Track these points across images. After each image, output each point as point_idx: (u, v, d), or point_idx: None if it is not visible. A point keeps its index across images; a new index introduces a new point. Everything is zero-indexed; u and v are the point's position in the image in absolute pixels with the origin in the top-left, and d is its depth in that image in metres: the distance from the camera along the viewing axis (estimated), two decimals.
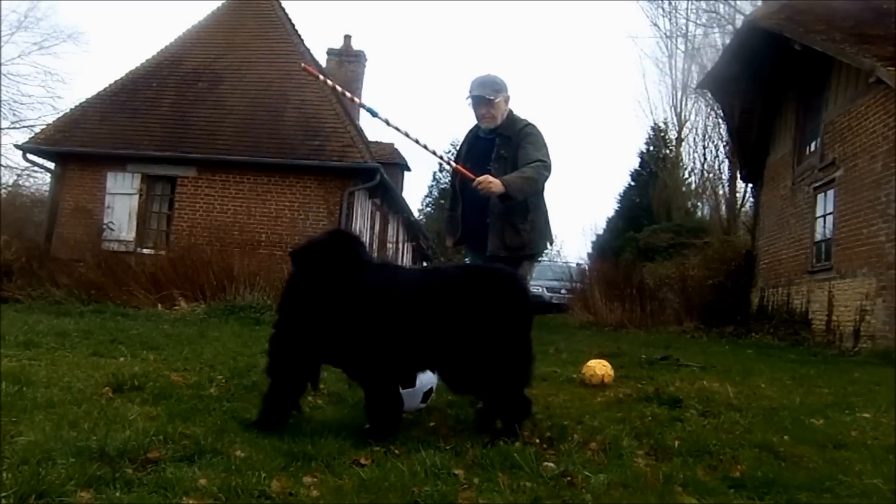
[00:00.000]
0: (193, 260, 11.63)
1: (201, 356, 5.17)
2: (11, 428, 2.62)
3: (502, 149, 3.73)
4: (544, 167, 3.70)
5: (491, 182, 3.53)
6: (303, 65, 4.34)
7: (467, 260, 4.15)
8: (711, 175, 25.10)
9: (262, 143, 13.42)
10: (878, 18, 10.27)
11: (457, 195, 3.97)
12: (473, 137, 3.93)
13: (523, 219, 3.73)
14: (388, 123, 3.76)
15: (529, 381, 3.11)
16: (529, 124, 3.82)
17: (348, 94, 4.14)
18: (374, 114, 3.82)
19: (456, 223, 3.97)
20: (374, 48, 61.01)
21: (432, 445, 2.73)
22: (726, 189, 23.61)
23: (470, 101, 3.78)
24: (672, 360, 6.64)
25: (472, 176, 3.62)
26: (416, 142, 3.81)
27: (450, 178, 4.12)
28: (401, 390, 3.31)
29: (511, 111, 3.85)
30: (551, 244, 3.99)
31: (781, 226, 12.54)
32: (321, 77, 4.32)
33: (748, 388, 4.92)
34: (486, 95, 3.71)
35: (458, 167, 3.83)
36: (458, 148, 4.07)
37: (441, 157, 3.90)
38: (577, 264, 19.78)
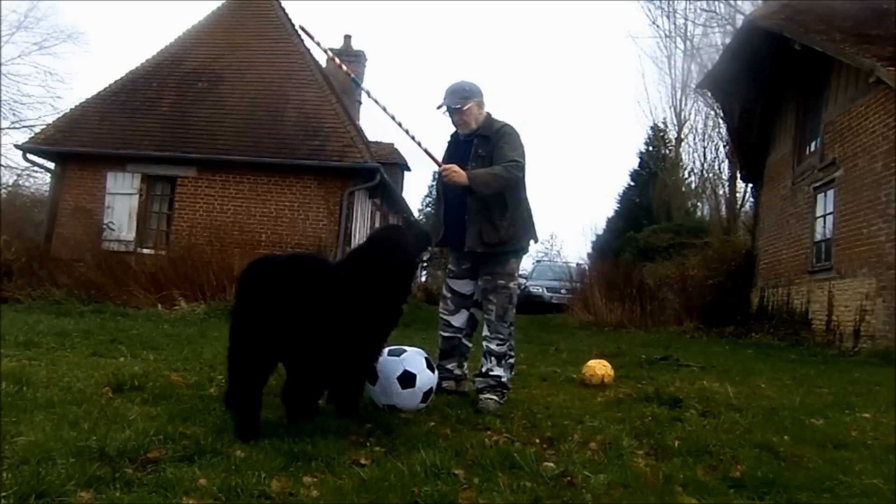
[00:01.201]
0: (193, 260, 11.62)
1: (201, 356, 5.17)
2: (11, 428, 2.62)
3: (480, 148, 3.84)
4: (516, 167, 3.79)
5: (455, 171, 3.67)
6: (299, 25, 4.41)
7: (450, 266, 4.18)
8: (711, 175, 25.12)
9: (262, 143, 13.42)
10: (878, 18, 10.26)
11: (440, 196, 4.07)
12: (455, 141, 4.04)
13: (501, 215, 3.81)
14: (368, 95, 3.86)
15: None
16: (506, 125, 3.92)
17: (338, 60, 4.27)
18: (357, 84, 4.04)
19: (439, 224, 4.06)
20: (374, 48, 61.04)
21: (432, 445, 2.72)
22: (726, 189, 23.62)
23: (444, 110, 3.88)
24: (672, 360, 6.64)
25: (440, 163, 3.76)
26: (400, 125, 3.88)
27: (435, 182, 4.17)
28: (401, 390, 3.34)
29: (489, 114, 3.95)
30: (535, 241, 4.13)
31: (781, 226, 12.54)
32: (315, 39, 4.17)
33: (748, 388, 4.92)
34: (454, 105, 3.83)
35: (430, 154, 3.89)
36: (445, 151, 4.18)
37: (417, 142, 3.91)
38: (577, 264, 19.81)
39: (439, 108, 3.88)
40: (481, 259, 3.90)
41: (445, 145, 4.11)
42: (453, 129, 4.04)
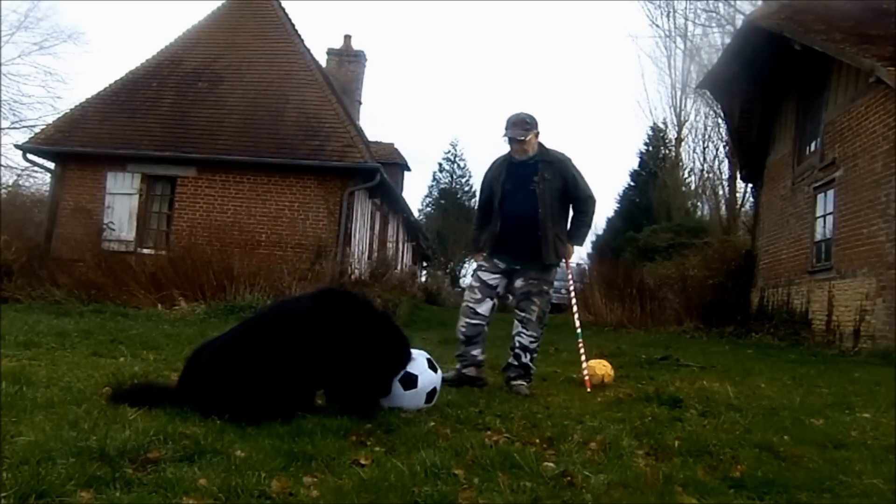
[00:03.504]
0: (193, 260, 11.62)
1: None
2: (11, 428, 2.62)
3: (545, 172, 4.38)
4: (594, 204, 4.62)
5: (572, 252, 4.61)
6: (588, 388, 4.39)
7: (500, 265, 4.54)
8: (711, 175, 25.11)
9: (262, 143, 13.42)
10: (878, 18, 10.26)
11: (495, 213, 4.49)
12: (509, 164, 4.49)
13: (564, 235, 4.53)
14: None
15: None
16: (565, 155, 4.51)
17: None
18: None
19: (491, 237, 4.48)
20: (374, 48, 61.06)
21: (432, 445, 2.72)
22: (726, 189, 23.62)
23: (506, 139, 4.39)
24: (672, 360, 6.64)
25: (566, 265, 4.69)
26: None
27: (483, 197, 4.66)
28: (403, 391, 3.34)
29: (540, 142, 4.48)
30: None
31: (781, 226, 12.54)
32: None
33: (748, 388, 4.92)
34: (518, 137, 4.34)
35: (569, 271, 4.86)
36: (487, 174, 4.62)
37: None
38: (578, 264, 19.81)
39: (503, 136, 4.37)
40: (532, 266, 4.40)
41: (495, 167, 4.57)
42: (503, 153, 4.56)
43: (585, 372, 4.52)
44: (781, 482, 2.43)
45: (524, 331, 4.34)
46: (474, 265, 4.68)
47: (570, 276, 4.97)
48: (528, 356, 4.37)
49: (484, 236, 4.55)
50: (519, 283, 4.41)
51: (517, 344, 4.34)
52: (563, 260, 4.57)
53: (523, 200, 4.34)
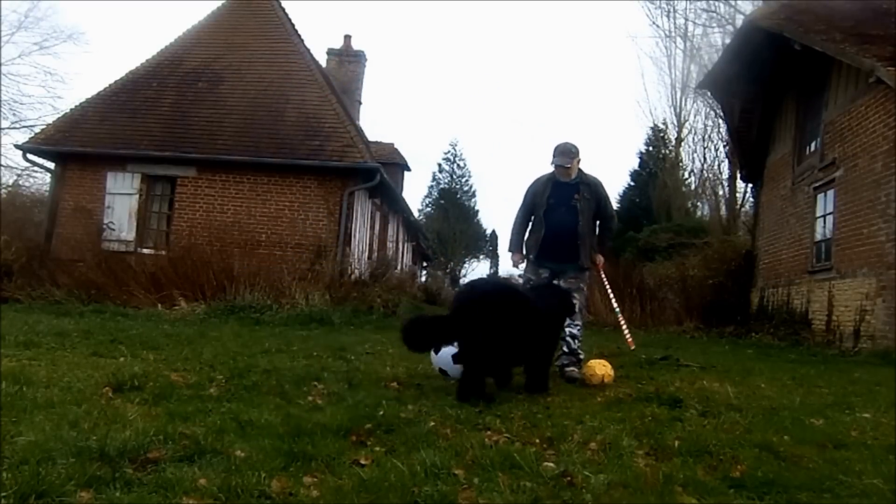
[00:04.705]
0: (193, 260, 11.63)
1: (201, 356, 5.17)
2: (11, 428, 2.62)
3: (585, 192, 5.19)
4: (616, 223, 5.79)
5: (602, 262, 5.51)
6: None
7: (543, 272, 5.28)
8: (711, 175, 25.08)
9: (262, 143, 13.41)
10: (878, 18, 10.26)
11: (538, 222, 5.24)
12: (553, 183, 5.22)
13: (594, 244, 5.38)
14: None
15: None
16: (600, 181, 5.30)
17: None
18: None
19: (536, 243, 5.24)
20: (374, 48, 61.08)
21: (432, 445, 2.72)
22: (726, 189, 23.59)
23: (553, 165, 5.13)
24: (672, 360, 6.63)
25: (600, 268, 5.56)
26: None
27: (526, 208, 5.30)
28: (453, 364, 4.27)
29: (579, 167, 5.23)
30: None
31: (781, 226, 12.53)
32: None
33: (748, 388, 4.92)
34: (565, 165, 5.10)
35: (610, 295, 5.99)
36: (531, 189, 5.30)
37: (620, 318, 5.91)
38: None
39: (551, 163, 5.11)
40: (570, 268, 5.18)
41: (540, 183, 5.24)
42: (544, 173, 5.31)
43: (625, 330, 5.62)
44: (781, 482, 2.43)
45: (569, 321, 5.05)
46: (522, 269, 5.49)
47: (605, 279, 5.69)
48: (576, 342, 5.16)
49: (529, 242, 5.30)
50: (561, 283, 5.13)
51: (567, 333, 5.08)
52: (596, 265, 5.48)
53: (566, 213, 5.13)
